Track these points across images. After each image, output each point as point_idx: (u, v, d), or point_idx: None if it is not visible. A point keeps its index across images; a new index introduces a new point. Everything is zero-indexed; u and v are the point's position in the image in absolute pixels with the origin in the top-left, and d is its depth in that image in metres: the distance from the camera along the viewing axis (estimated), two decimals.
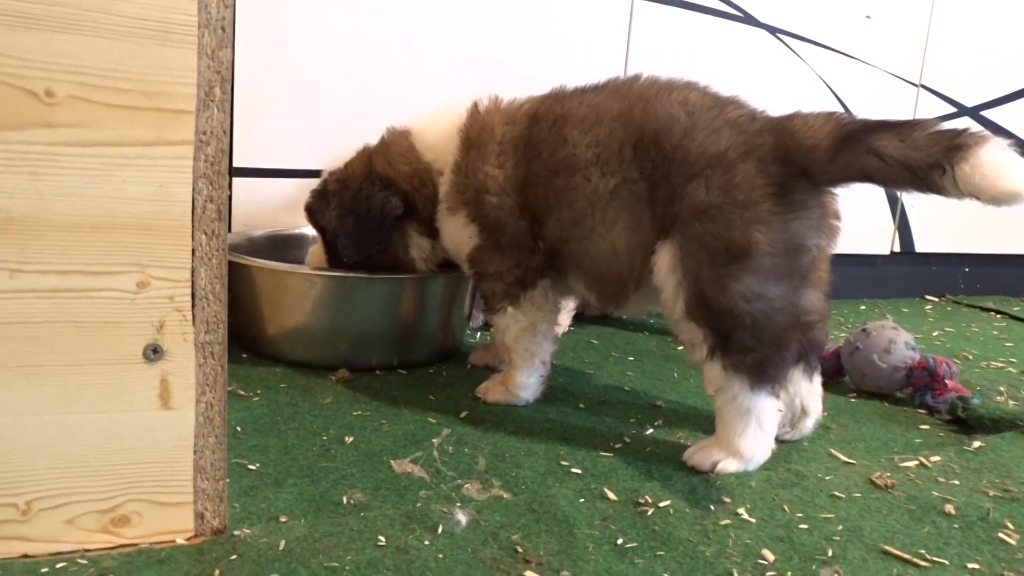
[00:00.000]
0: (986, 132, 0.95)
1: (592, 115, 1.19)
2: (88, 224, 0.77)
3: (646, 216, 1.14)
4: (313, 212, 1.45)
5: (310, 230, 1.53)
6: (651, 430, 1.26)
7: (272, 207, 1.76)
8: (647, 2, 2.00)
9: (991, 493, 1.10)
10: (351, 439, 1.15)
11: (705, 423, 1.25)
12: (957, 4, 2.33)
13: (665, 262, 1.11)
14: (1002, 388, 1.56)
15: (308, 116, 1.75)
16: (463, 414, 1.27)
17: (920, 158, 0.96)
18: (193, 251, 0.81)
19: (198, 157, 0.80)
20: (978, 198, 0.93)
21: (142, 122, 0.77)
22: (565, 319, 1.75)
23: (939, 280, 2.55)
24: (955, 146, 0.94)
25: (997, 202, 0.92)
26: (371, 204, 1.36)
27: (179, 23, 0.76)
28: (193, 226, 0.81)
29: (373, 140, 1.44)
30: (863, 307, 2.30)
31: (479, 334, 1.74)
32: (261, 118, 1.71)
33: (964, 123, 2.40)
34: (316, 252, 1.50)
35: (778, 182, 1.06)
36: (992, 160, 0.91)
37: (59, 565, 0.79)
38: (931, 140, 0.96)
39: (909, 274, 2.50)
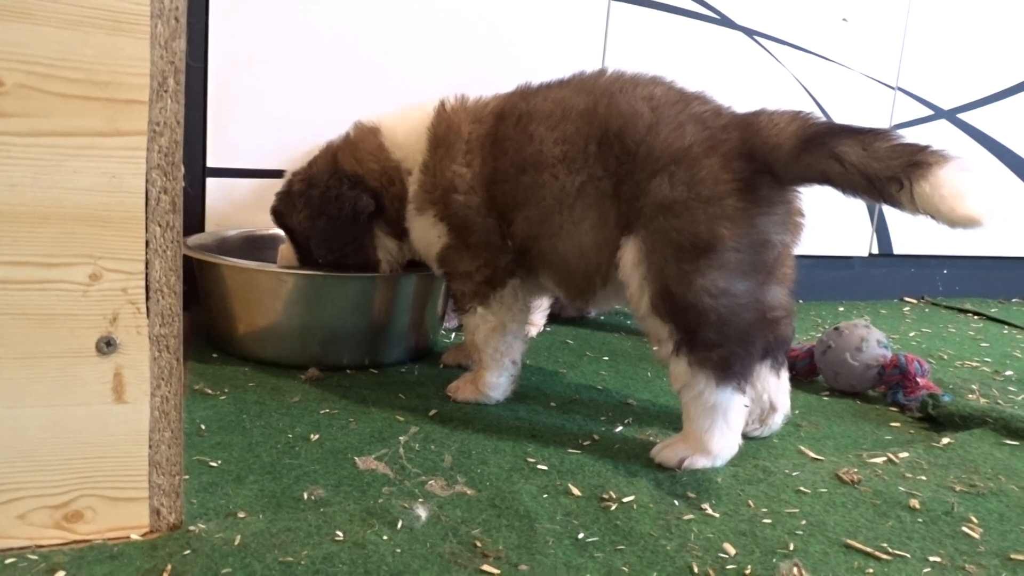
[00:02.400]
0: (949, 152, 0.92)
1: (557, 111, 1.19)
2: (38, 215, 0.77)
3: (612, 213, 1.14)
4: (280, 214, 1.44)
5: None
6: (621, 428, 1.26)
7: (246, 207, 1.75)
8: (623, 4, 2.00)
9: (957, 488, 1.10)
10: (317, 437, 1.14)
11: (676, 421, 1.24)
12: (934, 7, 2.34)
13: (630, 257, 1.10)
14: (974, 386, 1.56)
15: (283, 116, 1.74)
16: (432, 412, 1.26)
17: (879, 169, 0.94)
18: (147, 243, 0.80)
19: (151, 148, 0.79)
20: (934, 218, 0.91)
21: (93, 112, 0.77)
22: (539, 319, 1.75)
23: (917, 282, 2.56)
24: (916, 162, 0.92)
25: (953, 225, 0.90)
26: (342, 203, 1.35)
27: (130, 12, 0.76)
28: (147, 218, 0.80)
29: None
30: (841, 308, 2.31)
31: (454, 334, 1.74)
32: (235, 118, 1.71)
33: (941, 125, 2.41)
34: (285, 251, 1.49)
35: (743, 178, 1.06)
36: (951, 182, 0.89)
37: (8, 561, 0.78)
38: (893, 152, 0.94)
39: (887, 276, 2.51)
